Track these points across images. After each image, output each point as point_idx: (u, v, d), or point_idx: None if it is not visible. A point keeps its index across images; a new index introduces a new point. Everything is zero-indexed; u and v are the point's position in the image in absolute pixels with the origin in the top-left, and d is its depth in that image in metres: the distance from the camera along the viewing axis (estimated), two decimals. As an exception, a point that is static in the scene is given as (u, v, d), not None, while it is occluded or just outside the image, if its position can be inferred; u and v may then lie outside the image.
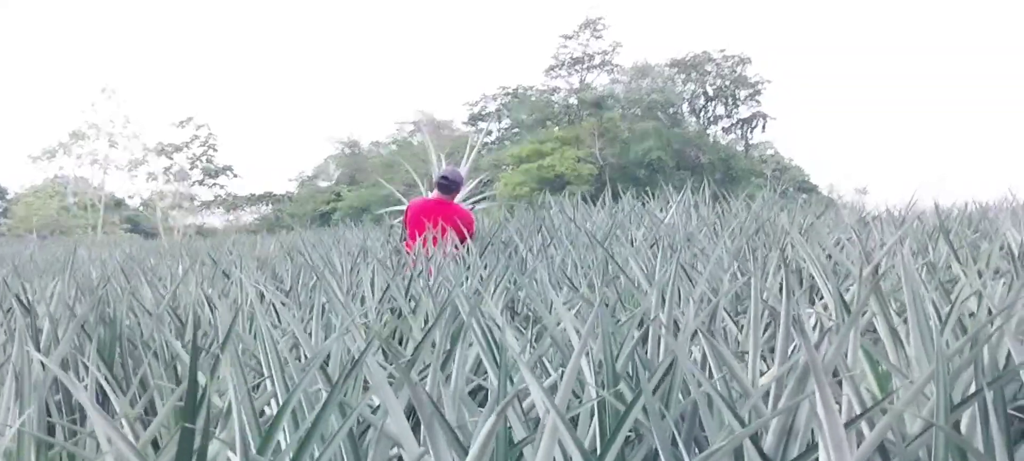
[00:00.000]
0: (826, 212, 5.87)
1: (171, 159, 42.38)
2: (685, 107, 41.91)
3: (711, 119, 42.35)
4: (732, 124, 42.07)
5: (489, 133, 44.46)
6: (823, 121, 64.64)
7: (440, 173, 5.52)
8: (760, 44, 72.78)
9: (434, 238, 4.65)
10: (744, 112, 41.65)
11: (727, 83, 41.05)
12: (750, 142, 42.50)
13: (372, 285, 2.83)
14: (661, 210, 6.74)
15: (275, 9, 79.85)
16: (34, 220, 36.26)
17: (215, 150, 43.40)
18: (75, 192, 39.59)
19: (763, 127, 41.51)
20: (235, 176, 43.66)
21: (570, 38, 40.45)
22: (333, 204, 37.31)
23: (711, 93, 41.55)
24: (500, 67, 77.14)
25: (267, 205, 43.03)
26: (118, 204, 42.11)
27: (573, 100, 41.51)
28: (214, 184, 43.26)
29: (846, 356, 1.50)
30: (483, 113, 44.18)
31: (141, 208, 42.42)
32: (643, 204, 7.35)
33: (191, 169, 42.64)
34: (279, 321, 2.43)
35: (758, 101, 41.11)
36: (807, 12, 65.92)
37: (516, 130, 43.03)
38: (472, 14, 75.84)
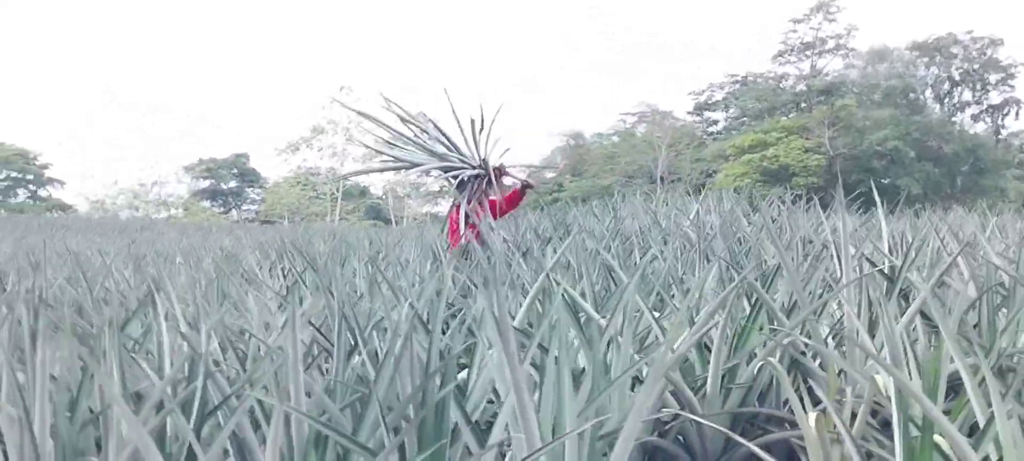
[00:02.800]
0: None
1: None
2: (928, 93, 39.37)
3: (957, 106, 39.30)
4: (981, 111, 39.04)
5: (714, 123, 44.51)
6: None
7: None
8: (1013, 25, 66.93)
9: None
10: (995, 98, 38.60)
11: (975, 67, 38.01)
12: (1002, 131, 39.18)
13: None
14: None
15: (503, 9, 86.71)
16: (283, 206, 43.29)
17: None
18: (316, 182, 44.35)
19: (1016, 114, 38.18)
20: None
21: (800, 22, 39.43)
22: (555, 195, 37.63)
23: (957, 78, 38.67)
24: (726, 56, 77.44)
25: None
26: (362, 193, 46.91)
27: (802, 87, 39.82)
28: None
29: None
30: (709, 102, 43.90)
31: (380, 197, 46.65)
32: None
33: None
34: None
35: (1011, 86, 37.79)
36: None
37: (743, 119, 42.00)
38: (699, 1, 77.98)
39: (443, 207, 44.09)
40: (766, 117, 39.39)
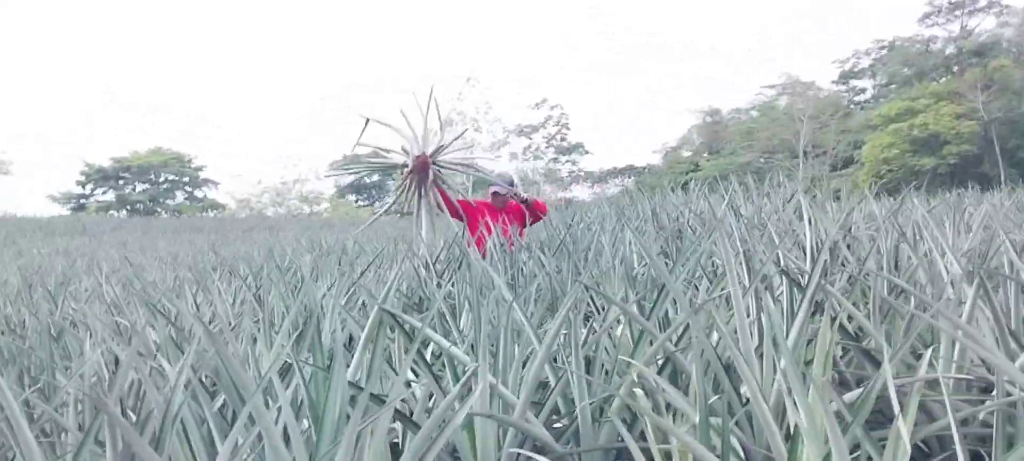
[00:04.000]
0: None
1: (529, 139, 45.69)
2: (1100, 50, 34.84)
3: None
4: None
5: (861, 91, 42.47)
6: None
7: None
8: None
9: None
10: None
11: None
12: None
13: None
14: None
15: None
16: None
17: (568, 129, 46.18)
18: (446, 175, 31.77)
19: None
20: (586, 153, 46.65)
21: (946, -20, 35.78)
22: (690, 174, 35.04)
23: None
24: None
25: (628, 177, 43.87)
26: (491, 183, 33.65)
27: (952, 49, 36.70)
28: (567, 160, 46.44)
29: None
30: (855, 70, 41.27)
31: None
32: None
33: (546, 148, 45.85)
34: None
35: None
36: None
37: (891, 86, 39.24)
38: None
39: (576, 193, 41.77)
40: (915, 83, 36.39)
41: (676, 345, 1.87)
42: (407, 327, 2.11)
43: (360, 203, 52.42)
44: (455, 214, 5.59)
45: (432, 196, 5.54)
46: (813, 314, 1.84)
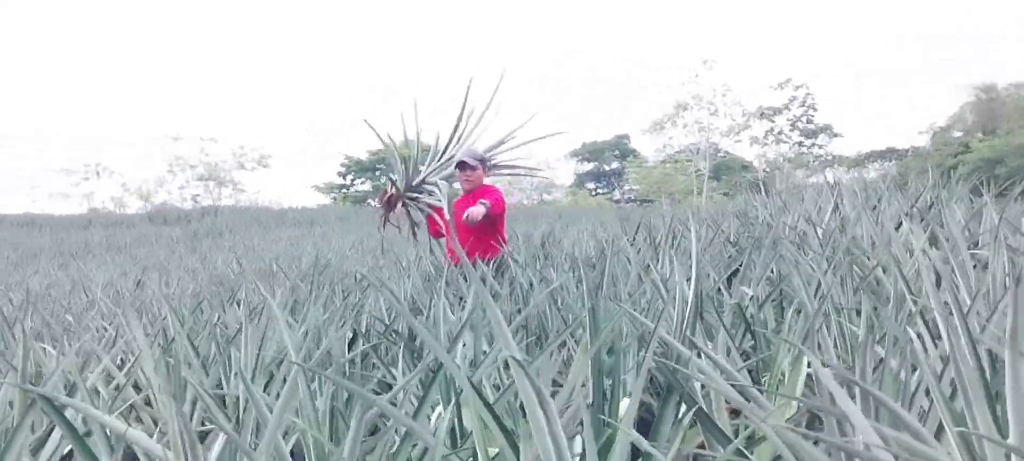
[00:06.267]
0: None
1: (772, 122, 42.88)
2: None
3: None
4: None
5: None
6: None
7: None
8: None
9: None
10: None
11: None
12: None
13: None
14: None
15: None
16: (648, 184, 43.87)
17: (815, 110, 43.44)
18: (684, 160, 41.81)
19: None
20: (836, 135, 43.58)
21: None
22: (959, 157, 31.73)
23: None
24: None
25: (889, 160, 41.05)
26: (744, 168, 42.63)
27: None
28: (813, 144, 43.84)
29: None
30: None
31: (766, 170, 40.30)
32: None
33: (791, 131, 43.27)
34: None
35: None
36: None
37: None
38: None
39: (828, 178, 34.81)
40: None
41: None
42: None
43: (599, 191, 51.66)
44: (437, 233, 5.03)
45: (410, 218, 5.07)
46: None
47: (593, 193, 51.05)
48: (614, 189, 51.73)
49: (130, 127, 72.80)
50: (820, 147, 43.87)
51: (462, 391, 1.66)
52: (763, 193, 7.00)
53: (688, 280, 2.22)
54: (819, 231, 3.65)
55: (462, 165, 4.87)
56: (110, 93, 78.02)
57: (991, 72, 70.90)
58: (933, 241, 2.87)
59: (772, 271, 2.81)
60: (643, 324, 2.06)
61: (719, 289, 2.68)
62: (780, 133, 43.12)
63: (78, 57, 78.62)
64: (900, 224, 3.40)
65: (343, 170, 53.10)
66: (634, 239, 4.74)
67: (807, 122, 43.24)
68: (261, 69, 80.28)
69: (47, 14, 79.53)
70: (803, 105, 42.98)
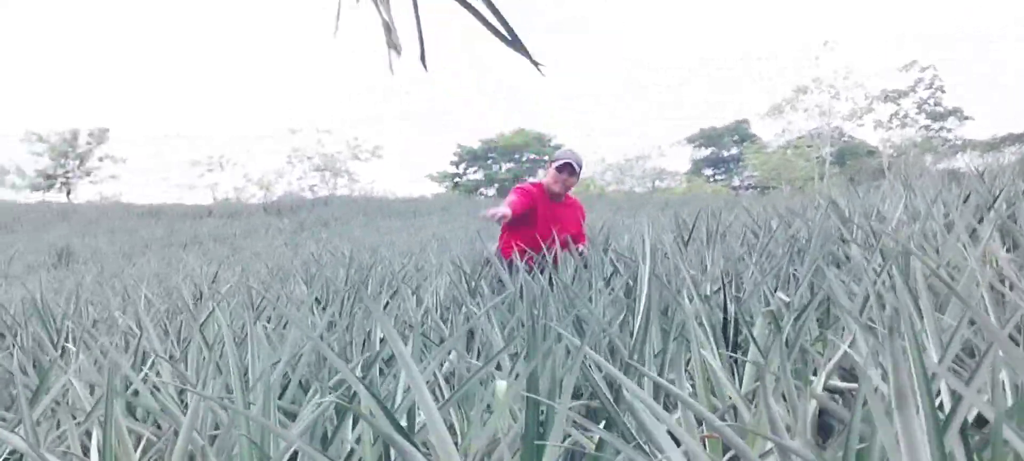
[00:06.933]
0: None
1: (897, 105, 40.76)
2: None
3: None
4: None
5: None
6: None
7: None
8: None
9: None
10: None
11: None
12: None
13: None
14: None
15: None
16: (767, 169, 42.39)
17: (943, 92, 41.07)
18: (804, 146, 40.08)
19: None
20: (966, 118, 41.23)
21: None
22: None
23: None
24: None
25: None
26: (870, 153, 40.90)
27: None
28: (941, 128, 41.62)
29: None
30: None
31: (892, 155, 38.37)
32: None
33: (917, 114, 41.13)
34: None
35: None
36: None
37: None
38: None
39: (958, 163, 34.60)
40: None
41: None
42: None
43: (717, 177, 49.80)
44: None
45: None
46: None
47: (710, 179, 49.34)
48: (733, 175, 49.37)
49: (253, 122, 76.82)
50: (948, 131, 41.60)
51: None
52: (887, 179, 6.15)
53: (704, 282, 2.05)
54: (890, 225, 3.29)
55: (572, 169, 4.58)
56: (231, 91, 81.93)
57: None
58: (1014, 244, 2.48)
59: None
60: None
61: (764, 295, 2.32)
62: (906, 116, 41.00)
63: (206, 60, 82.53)
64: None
65: (456, 159, 53.74)
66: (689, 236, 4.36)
67: (935, 105, 41.09)
68: (374, 62, 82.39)
69: (182, 23, 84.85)
70: (930, 87, 40.80)
